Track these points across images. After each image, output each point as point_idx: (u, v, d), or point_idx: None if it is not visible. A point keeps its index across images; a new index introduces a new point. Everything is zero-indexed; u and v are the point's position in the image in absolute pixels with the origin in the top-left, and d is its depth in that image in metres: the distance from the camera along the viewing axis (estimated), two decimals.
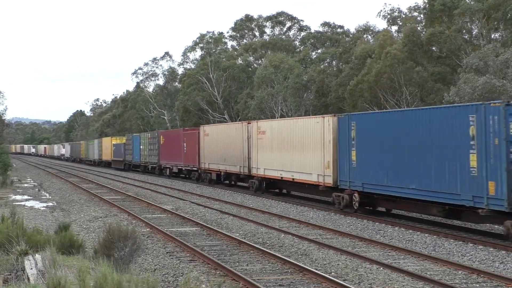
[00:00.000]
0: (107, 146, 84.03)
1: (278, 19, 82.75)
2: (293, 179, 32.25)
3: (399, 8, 59.10)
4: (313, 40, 77.21)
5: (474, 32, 47.20)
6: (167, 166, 56.85)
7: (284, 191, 36.84)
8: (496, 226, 21.46)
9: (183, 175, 53.26)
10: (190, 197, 36.65)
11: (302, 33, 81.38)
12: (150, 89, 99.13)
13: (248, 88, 71.02)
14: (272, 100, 60.85)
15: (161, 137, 58.86)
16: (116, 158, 78.73)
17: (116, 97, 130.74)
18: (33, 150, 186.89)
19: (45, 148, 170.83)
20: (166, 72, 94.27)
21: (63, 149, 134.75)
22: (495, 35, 47.07)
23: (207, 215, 27.95)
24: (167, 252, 18.91)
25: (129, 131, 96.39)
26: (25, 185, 51.57)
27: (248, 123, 38.58)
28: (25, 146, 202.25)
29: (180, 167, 52.74)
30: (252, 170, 37.22)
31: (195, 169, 48.50)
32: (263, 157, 35.69)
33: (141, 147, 65.86)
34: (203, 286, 14.36)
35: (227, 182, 43.64)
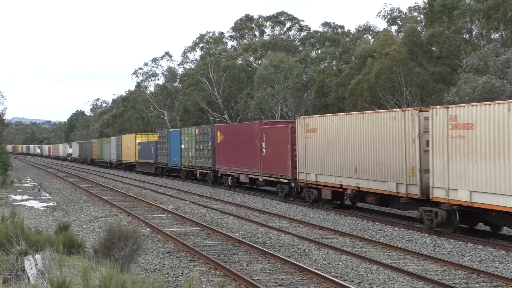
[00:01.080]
0: (130, 145, 70.32)
1: (278, 19, 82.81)
2: None
3: (399, 8, 59.16)
4: (313, 39, 77.23)
5: (474, 32, 47.25)
6: (229, 173, 41.57)
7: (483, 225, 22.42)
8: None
9: (258, 187, 39.67)
10: (190, 197, 36.64)
11: (302, 33, 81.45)
12: (151, 89, 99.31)
13: (248, 88, 71.05)
14: (272, 100, 60.87)
15: (219, 133, 43.61)
16: (143, 159, 64.02)
17: (118, 97, 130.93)
18: (38, 150, 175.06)
19: (49, 148, 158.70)
20: (166, 72, 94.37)
21: (70, 149, 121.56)
22: (495, 35, 47.11)
23: (207, 215, 27.96)
24: (167, 252, 18.92)
25: (129, 131, 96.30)
26: (25, 185, 51.58)
27: (420, 110, 22.99)
28: (31, 146, 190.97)
29: (254, 176, 37.40)
30: (434, 192, 21.58)
31: (285, 180, 33.29)
32: (465, 169, 20.25)
33: (183, 146, 50.55)
34: (204, 286, 14.36)
35: (352, 203, 29.56)
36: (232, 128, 45.39)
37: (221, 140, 43.15)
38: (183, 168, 51.51)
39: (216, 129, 44.67)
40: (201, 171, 47.05)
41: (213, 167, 44.32)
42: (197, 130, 48.18)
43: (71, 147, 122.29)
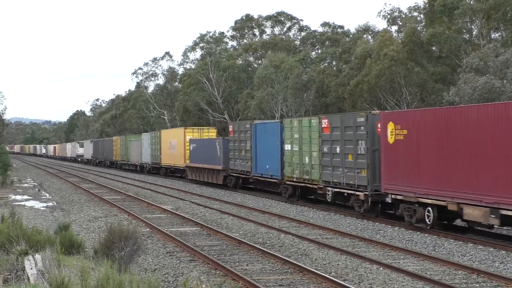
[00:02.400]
0: (175, 143, 53.61)
1: (278, 18, 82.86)
2: None
3: (399, 8, 59.22)
4: (313, 40, 77.28)
5: (474, 32, 47.28)
6: (424, 200, 22.16)
7: None
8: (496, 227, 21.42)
9: None
10: (190, 197, 36.63)
11: (302, 33, 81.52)
12: (151, 89, 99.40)
13: (248, 88, 71.08)
14: (272, 100, 60.91)
15: (392, 126, 24.18)
16: (200, 163, 45.48)
17: (115, 96, 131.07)
18: (43, 150, 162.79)
19: (54, 148, 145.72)
20: (166, 72, 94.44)
21: (81, 149, 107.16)
22: (495, 35, 47.15)
23: (207, 215, 27.95)
24: (167, 252, 18.92)
25: (129, 131, 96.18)
26: (25, 185, 51.57)
27: None
28: (37, 147, 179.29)
29: None
30: None
31: None
32: None
33: (288, 147, 32.02)
34: (204, 286, 14.37)
35: None
36: (434, 115, 22.51)
37: (397, 139, 23.90)
38: (288, 182, 32.26)
39: (385, 119, 24.68)
40: (337, 190, 27.59)
41: (370, 186, 25.35)
42: (326, 120, 28.28)
43: (81, 146, 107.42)
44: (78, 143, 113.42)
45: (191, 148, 48.36)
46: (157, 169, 60.37)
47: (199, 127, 56.59)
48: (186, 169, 50.04)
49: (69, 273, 11.82)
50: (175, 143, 53.62)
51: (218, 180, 42.54)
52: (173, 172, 56.31)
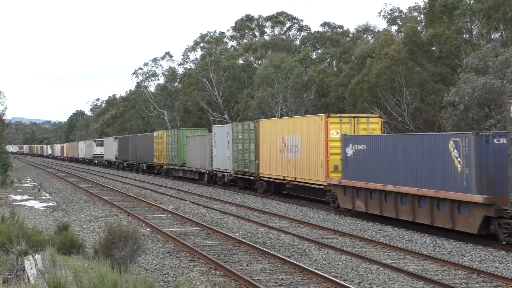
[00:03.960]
0: (298, 143, 31.77)
1: (278, 19, 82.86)
2: None
3: (399, 8, 59.18)
4: (313, 40, 77.29)
5: (474, 32, 47.25)
6: None
7: None
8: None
9: None
10: (190, 197, 36.64)
11: (302, 33, 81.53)
12: (151, 89, 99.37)
13: (248, 88, 71.05)
14: (273, 100, 60.88)
15: None
16: (382, 183, 23.93)
17: (111, 97, 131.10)
18: (49, 151, 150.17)
19: (62, 147, 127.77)
20: (166, 72, 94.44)
21: (98, 148, 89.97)
22: (495, 35, 47.12)
23: (207, 215, 27.96)
24: (167, 252, 18.92)
25: (129, 131, 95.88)
26: (25, 185, 51.58)
27: None
28: (44, 147, 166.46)
29: None
30: None
31: None
32: None
33: None
34: (202, 286, 14.36)
35: None
36: None
37: None
38: None
39: None
40: None
41: None
42: None
43: (100, 145, 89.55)
44: (95, 141, 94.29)
45: (350, 152, 27.03)
46: (246, 182, 39.72)
47: (352, 115, 30.67)
48: (334, 190, 28.12)
49: (67, 273, 11.83)
50: (298, 142, 31.79)
51: (460, 224, 20.45)
52: (281, 189, 35.63)
